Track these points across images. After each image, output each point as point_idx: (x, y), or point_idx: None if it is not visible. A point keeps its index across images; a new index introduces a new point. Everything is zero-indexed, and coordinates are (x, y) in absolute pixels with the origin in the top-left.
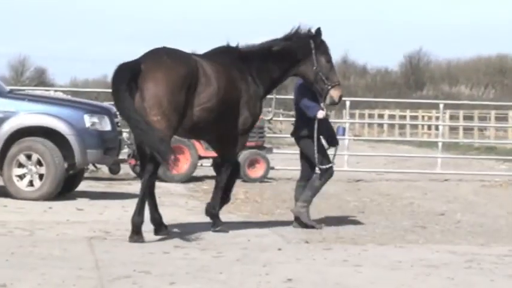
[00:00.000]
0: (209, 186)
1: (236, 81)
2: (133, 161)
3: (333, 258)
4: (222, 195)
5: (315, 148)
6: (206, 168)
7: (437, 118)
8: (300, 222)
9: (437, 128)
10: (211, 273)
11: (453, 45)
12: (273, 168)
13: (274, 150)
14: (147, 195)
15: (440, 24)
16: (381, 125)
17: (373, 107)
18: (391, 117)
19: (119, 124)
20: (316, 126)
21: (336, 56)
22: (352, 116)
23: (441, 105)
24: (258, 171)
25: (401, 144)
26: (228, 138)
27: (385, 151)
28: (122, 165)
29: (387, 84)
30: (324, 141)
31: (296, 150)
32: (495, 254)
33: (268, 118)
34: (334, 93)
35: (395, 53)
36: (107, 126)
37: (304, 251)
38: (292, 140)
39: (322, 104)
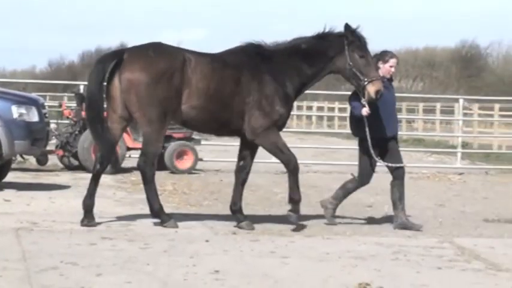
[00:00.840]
0: (137, 177)
1: (240, 81)
2: (60, 152)
3: (260, 249)
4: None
5: (370, 148)
6: (134, 159)
7: None
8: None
9: None
10: (138, 264)
11: (382, 38)
12: (201, 159)
13: (203, 142)
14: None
15: (368, 16)
16: (309, 117)
17: (302, 99)
18: (320, 109)
19: (47, 115)
20: (366, 124)
21: None
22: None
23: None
24: (186, 163)
25: (330, 136)
26: (243, 136)
27: (313, 143)
28: (50, 156)
29: None
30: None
31: (224, 142)
32: (422, 245)
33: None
34: (370, 89)
35: None
36: (34, 117)
37: (231, 243)
38: None
39: (363, 101)
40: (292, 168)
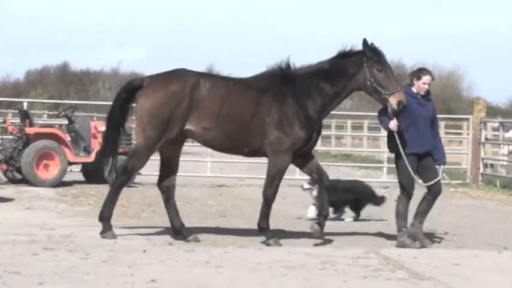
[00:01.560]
0: (77, 190)
1: (259, 103)
2: (4, 166)
3: (196, 259)
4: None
5: (406, 163)
6: (74, 173)
7: None
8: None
9: None
10: (79, 273)
11: (310, 58)
12: (139, 173)
13: None
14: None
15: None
16: None
17: None
18: None
19: None
20: (397, 138)
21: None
22: None
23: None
24: None
25: None
26: (265, 155)
27: (247, 158)
28: None
29: None
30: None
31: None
32: (349, 256)
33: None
34: (392, 101)
35: (259, 64)
36: None
37: (168, 253)
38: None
39: (389, 115)
40: (269, 200)
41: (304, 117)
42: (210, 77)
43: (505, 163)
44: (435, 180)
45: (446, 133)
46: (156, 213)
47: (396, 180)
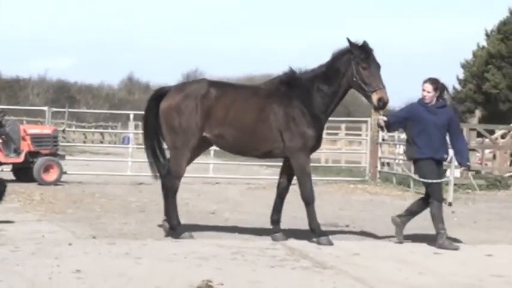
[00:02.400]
0: (8, 189)
1: (265, 108)
2: None
3: (117, 251)
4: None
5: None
6: (5, 172)
7: None
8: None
9: None
10: (9, 265)
11: (225, 66)
12: (65, 172)
13: (67, 157)
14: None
15: (213, 47)
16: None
17: None
18: None
19: None
20: (385, 132)
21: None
22: (136, 127)
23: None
24: (52, 176)
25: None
26: (279, 156)
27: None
28: None
29: None
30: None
31: (86, 157)
32: (258, 247)
33: (62, 129)
34: (374, 98)
35: (175, 72)
36: None
37: (91, 246)
38: (83, 148)
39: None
40: (308, 200)
41: (311, 117)
42: (220, 85)
43: (401, 162)
44: (428, 181)
45: (347, 134)
46: (80, 209)
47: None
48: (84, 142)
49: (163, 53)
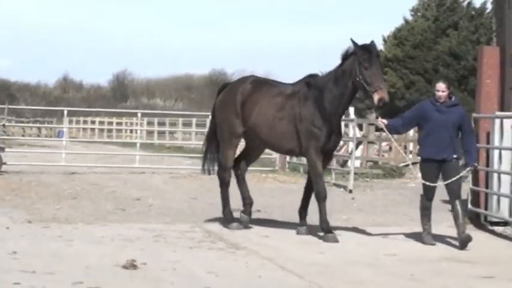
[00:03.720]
0: None
1: (286, 106)
2: None
3: (51, 234)
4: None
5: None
6: None
7: (137, 124)
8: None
9: (136, 131)
10: None
11: (151, 67)
12: (5, 163)
13: (7, 149)
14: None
15: (140, 49)
16: (93, 129)
17: (87, 115)
18: (101, 123)
19: None
20: (387, 133)
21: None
22: (70, 122)
23: (139, 114)
24: None
25: (109, 144)
26: (302, 155)
27: (95, 150)
28: None
29: (99, 96)
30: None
31: (24, 149)
32: (178, 230)
33: (2, 123)
34: (375, 98)
35: (106, 72)
36: None
37: (27, 230)
38: (22, 141)
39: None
40: (319, 197)
41: (321, 117)
42: (258, 82)
43: None
44: (425, 182)
45: None
46: (18, 196)
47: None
48: (23, 136)
49: (95, 53)
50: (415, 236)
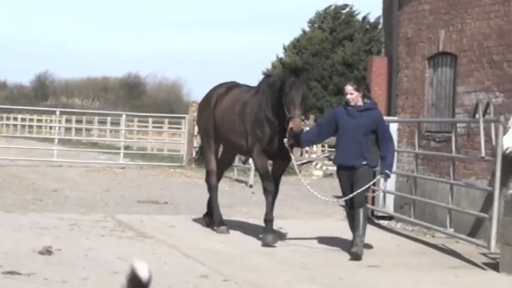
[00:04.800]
0: None
1: (236, 110)
2: None
3: None
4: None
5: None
6: None
7: (56, 121)
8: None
9: (55, 128)
10: None
11: (70, 68)
12: None
13: None
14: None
15: (60, 52)
16: (15, 125)
17: (10, 112)
18: (23, 119)
19: None
20: (291, 154)
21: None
22: None
23: (58, 112)
24: None
25: (30, 139)
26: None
27: (17, 144)
28: None
29: (21, 95)
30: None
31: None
32: (92, 219)
33: None
34: (288, 125)
35: (29, 73)
36: None
37: None
38: None
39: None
40: (266, 192)
41: (263, 119)
42: (231, 86)
43: None
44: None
45: (169, 128)
46: None
47: (131, 162)
48: None
49: (18, 55)
50: (308, 228)
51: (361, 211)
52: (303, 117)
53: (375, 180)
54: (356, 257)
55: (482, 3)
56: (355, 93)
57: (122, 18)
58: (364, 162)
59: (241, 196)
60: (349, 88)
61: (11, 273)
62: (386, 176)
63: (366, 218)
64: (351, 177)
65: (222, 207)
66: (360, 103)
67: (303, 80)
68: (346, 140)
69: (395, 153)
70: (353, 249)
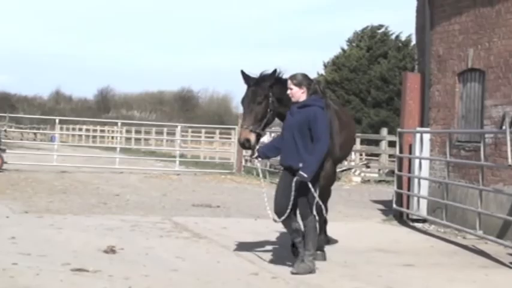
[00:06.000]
0: None
1: None
2: None
3: (44, 223)
4: None
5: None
6: None
7: (117, 131)
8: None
9: (117, 138)
10: None
11: (129, 83)
12: (6, 162)
13: (8, 151)
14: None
15: (121, 68)
16: (80, 135)
17: (76, 123)
18: (87, 130)
19: None
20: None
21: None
22: (61, 129)
23: (119, 123)
24: None
25: (93, 148)
26: None
27: (82, 153)
28: None
29: (85, 108)
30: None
31: (22, 151)
32: (151, 221)
33: (4, 129)
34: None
35: (92, 87)
36: None
37: (24, 219)
38: (20, 144)
39: None
40: None
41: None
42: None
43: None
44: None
45: (220, 138)
46: (16, 190)
47: (185, 169)
48: (21, 139)
49: (83, 72)
50: (348, 230)
51: (307, 223)
52: (251, 128)
53: (296, 186)
54: (300, 270)
55: (508, 24)
56: (295, 88)
57: (175, 38)
58: (301, 165)
59: None
60: (288, 82)
61: (79, 270)
62: (301, 178)
63: (314, 229)
64: (290, 179)
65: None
66: (303, 99)
67: (251, 90)
68: (285, 138)
69: (427, 161)
70: (293, 269)
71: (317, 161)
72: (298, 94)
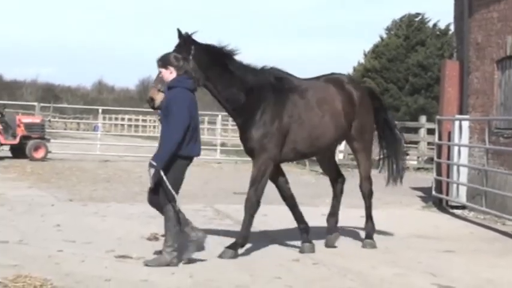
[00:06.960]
0: (7, 163)
1: None
2: None
3: (88, 211)
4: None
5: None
6: (6, 151)
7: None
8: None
9: (158, 127)
10: (6, 220)
11: None
12: (50, 152)
13: (52, 140)
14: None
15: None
16: (122, 125)
17: (118, 113)
18: (130, 120)
19: None
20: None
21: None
22: (104, 118)
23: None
24: (40, 154)
25: (136, 137)
26: None
27: (125, 142)
28: None
29: (127, 98)
30: None
31: (66, 141)
32: (193, 209)
33: (48, 119)
34: None
35: (133, 77)
36: None
37: (69, 207)
38: (64, 133)
39: None
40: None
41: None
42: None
43: None
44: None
45: None
46: (61, 179)
47: (226, 158)
48: (65, 129)
49: (125, 62)
50: (388, 217)
51: (164, 213)
52: (159, 87)
53: (155, 174)
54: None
55: None
56: (163, 70)
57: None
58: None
59: (326, 187)
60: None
61: (123, 257)
62: (151, 167)
63: (169, 220)
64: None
65: (308, 197)
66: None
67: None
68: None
69: (466, 149)
70: (147, 260)
71: (168, 149)
72: (167, 75)
